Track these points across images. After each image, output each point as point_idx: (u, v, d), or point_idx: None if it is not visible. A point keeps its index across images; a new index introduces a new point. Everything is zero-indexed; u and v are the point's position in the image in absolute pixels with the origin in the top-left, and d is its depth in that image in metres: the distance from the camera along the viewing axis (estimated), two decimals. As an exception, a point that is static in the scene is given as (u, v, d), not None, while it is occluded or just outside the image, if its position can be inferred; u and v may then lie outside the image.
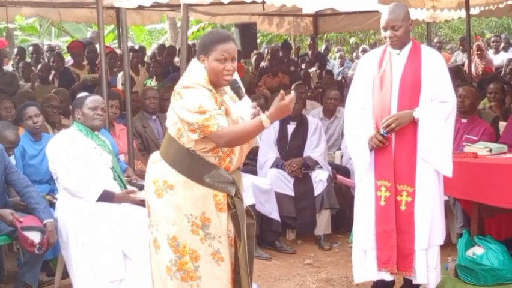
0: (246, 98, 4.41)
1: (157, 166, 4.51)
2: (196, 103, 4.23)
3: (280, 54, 14.85)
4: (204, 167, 4.40)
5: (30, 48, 14.05)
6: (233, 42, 4.40)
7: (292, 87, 10.27)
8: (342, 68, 17.13)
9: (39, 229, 5.67)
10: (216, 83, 4.37)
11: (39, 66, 11.54)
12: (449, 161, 5.36)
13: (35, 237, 5.63)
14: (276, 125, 7.97)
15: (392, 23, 5.35)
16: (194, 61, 4.47)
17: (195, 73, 4.38)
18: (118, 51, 12.61)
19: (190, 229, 4.42)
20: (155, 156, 4.56)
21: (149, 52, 16.69)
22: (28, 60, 13.79)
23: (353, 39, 25.02)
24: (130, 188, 6.11)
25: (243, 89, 4.45)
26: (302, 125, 8.00)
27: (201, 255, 4.42)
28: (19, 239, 5.71)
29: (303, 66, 15.14)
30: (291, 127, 8.02)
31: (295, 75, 13.53)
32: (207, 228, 4.43)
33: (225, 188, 4.44)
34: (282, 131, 7.96)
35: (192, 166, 4.40)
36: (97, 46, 10.14)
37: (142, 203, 5.89)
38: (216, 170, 4.41)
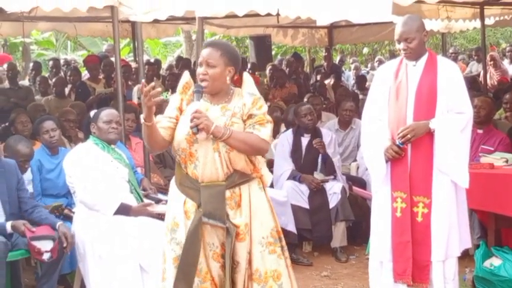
0: (194, 105, 4.36)
1: None
2: None
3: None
4: (177, 171, 4.52)
5: (50, 63, 14.11)
6: (212, 48, 4.46)
7: (305, 99, 10.30)
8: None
9: (50, 238, 5.68)
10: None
11: (54, 80, 11.62)
12: (466, 172, 5.35)
13: (44, 245, 5.65)
14: (290, 137, 7.99)
15: (405, 35, 5.35)
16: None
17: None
18: (134, 64, 12.67)
19: (164, 231, 4.55)
20: None
21: (164, 65, 16.75)
22: (47, 74, 13.86)
23: (365, 50, 24.99)
24: (146, 201, 6.13)
25: (199, 97, 4.39)
26: (316, 138, 7.98)
27: (167, 259, 4.51)
28: (29, 249, 5.74)
29: (318, 77, 15.15)
30: (305, 140, 8.01)
31: (305, 87, 13.57)
32: (174, 233, 4.48)
33: (189, 195, 4.46)
34: (296, 143, 7.96)
35: (175, 171, 4.57)
36: (113, 59, 10.19)
37: (158, 216, 5.91)
38: (184, 175, 4.48)
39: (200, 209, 4.40)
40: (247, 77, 4.60)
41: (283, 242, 4.63)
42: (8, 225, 5.79)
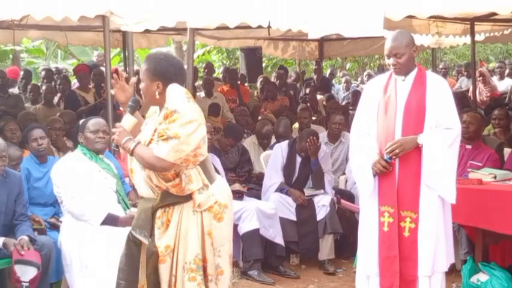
0: (124, 118, 4.47)
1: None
2: None
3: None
4: None
5: (43, 73, 14.05)
6: (145, 64, 4.45)
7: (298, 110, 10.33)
8: (347, 92, 17.08)
9: (35, 265, 5.61)
10: None
11: (44, 88, 11.57)
12: (453, 188, 5.35)
13: (26, 272, 5.55)
14: (285, 150, 7.97)
15: (395, 50, 5.36)
16: None
17: None
18: (124, 74, 12.61)
19: None
20: None
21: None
22: (38, 82, 13.80)
23: (348, 65, 25.01)
24: (133, 210, 6.10)
25: (130, 111, 4.51)
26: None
27: None
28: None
29: (307, 90, 15.16)
30: (299, 156, 8.00)
31: (294, 100, 13.59)
32: None
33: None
34: (290, 158, 7.95)
35: None
36: (103, 69, 10.17)
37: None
38: None
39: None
40: (170, 89, 4.40)
41: (207, 272, 4.47)
42: (0, 241, 5.77)
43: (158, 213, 4.39)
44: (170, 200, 4.37)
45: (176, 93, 4.35)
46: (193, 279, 4.38)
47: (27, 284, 5.56)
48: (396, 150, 5.29)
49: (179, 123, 4.22)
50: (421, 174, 5.34)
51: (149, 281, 4.40)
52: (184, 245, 4.37)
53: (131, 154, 4.33)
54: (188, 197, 4.38)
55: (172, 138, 4.21)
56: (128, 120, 4.43)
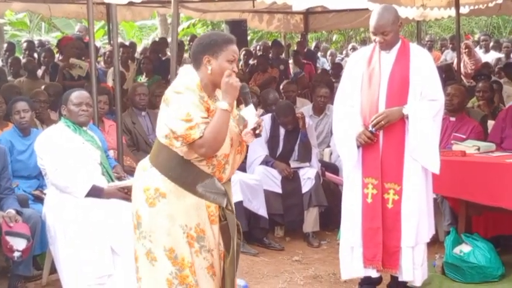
0: (252, 106, 4.28)
1: (147, 173, 4.27)
2: (184, 110, 4.03)
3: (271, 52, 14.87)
4: (197, 175, 4.18)
5: (24, 45, 13.97)
6: None
7: (282, 87, 10.31)
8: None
9: (25, 237, 5.63)
10: (217, 85, 4.20)
11: (24, 61, 11.49)
12: (437, 158, 5.38)
13: (16, 243, 5.57)
14: (268, 124, 7.94)
15: (382, 29, 5.36)
16: (186, 66, 4.40)
17: (187, 78, 4.21)
18: (108, 47, 12.58)
19: (186, 241, 4.20)
20: (145, 163, 4.33)
21: (139, 48, 16.67)
22: (21, 55, 13.73)
23: (335, 37, 25.01)
24: (117, 182, 6.10)
25: (250, 98, 4.34)
26: (294, 126, 7.97)
27: (197, 269, 4.22)
28: (1, 243, 5.69)
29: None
30: (283, 129, 8.00)
31: (283, 74, 13.54)
32: (202, 241, 4.22)
33: (216, 199, 4.23)
34: (274, 130, 7.95)
35: (184, 174, 4.17)
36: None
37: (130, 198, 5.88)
38: (209, 179, 4.21)
39: (228, 210, 4.27)
40: None
41: None
42: None
43: None
44: None
45: None
46: None
47: (19, 253, 5.58)
48: (382, 122, 5.31)
49: None
50: (405, 146, 5.37)
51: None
52: None
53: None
54: None
55: None
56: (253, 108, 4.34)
